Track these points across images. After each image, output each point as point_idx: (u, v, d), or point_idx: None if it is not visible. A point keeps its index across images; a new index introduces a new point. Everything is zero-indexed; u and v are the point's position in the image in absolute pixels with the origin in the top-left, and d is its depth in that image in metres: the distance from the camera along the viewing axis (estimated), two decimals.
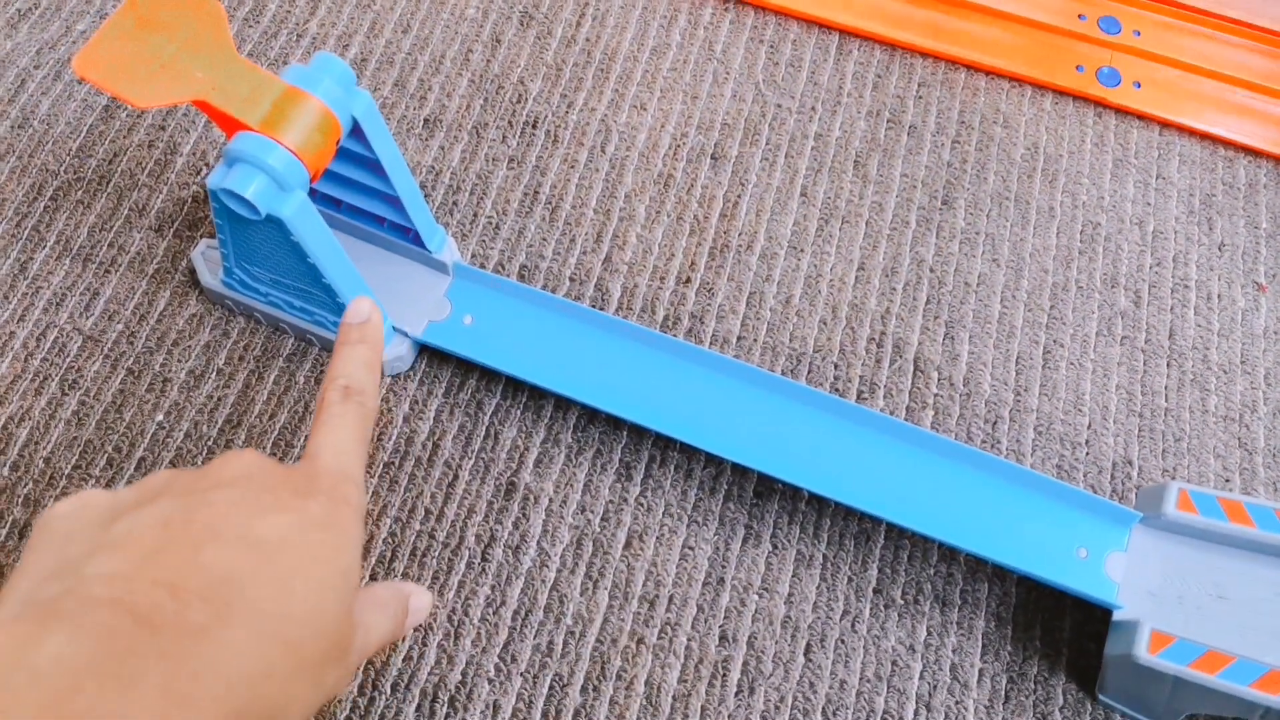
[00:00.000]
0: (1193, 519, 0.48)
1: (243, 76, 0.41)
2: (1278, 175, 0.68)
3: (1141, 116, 0.68)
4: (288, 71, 0.43)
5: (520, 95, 0.67)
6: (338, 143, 0.44)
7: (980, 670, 0.52)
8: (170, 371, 0.56)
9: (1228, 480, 0.58)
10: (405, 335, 0.54)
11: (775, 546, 0.54)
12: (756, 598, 0.53)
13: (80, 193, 0.61)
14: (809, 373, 0.59)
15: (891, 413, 0.58)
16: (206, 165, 0.62)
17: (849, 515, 0.54)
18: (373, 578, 0.52)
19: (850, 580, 0.53)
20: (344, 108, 0.44)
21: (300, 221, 0.43)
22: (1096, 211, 0.65)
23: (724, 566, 0.53)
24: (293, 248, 0.45)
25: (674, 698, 0.50)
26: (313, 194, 0.49)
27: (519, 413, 0.56)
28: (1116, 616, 0.47)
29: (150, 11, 0.41)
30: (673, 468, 0.55)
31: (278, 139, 0.41)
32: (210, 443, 0.55)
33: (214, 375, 0.56)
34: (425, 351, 0.57)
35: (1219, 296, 0.63)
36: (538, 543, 0.53)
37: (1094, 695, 0.51)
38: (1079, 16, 0.71)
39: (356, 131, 0.46)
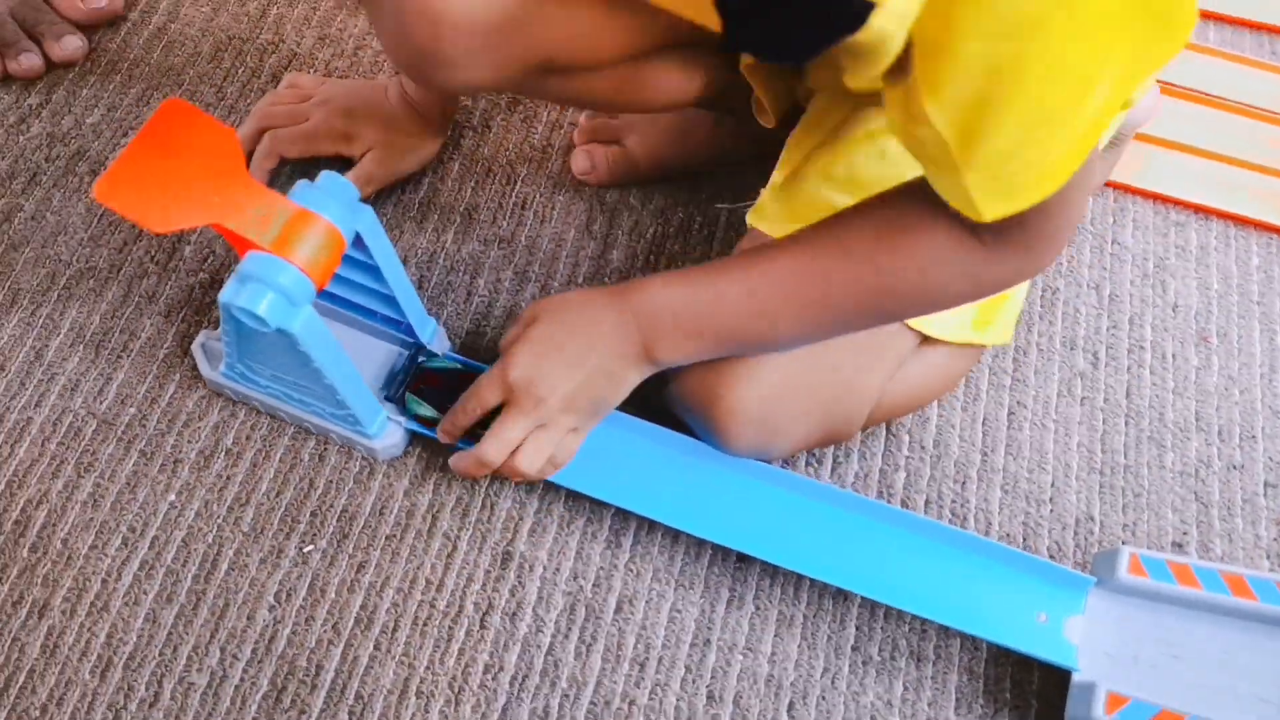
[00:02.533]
0: (1144, 583, 0.51)
1: (255, 199, 0.44)
2: (1228, 237, 0.72)
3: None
4: (296, 191, 0.47)
5: (510, 178, 0.70)
6: (342, 255, 0.47)
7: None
8: (181, 452, 0.59)
9: (1185, 534, 0.61)
10: (400, 424, 0.58)
11: (758, 608, 0.57)
12: (741, 657, 0.56)
13: (92, 281, 0.64)
14: None
15: (866, 476, 0.61)
16: (213, 253, 0.65)
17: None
18: (375, 648, 0.55)
19: (830, 639, 0.57)
20: (348, 224, 0.47)
21: (307, 334, 0.47)
22: (1054, 277, 0.69)
23: (710, 628, 0.56)
24: (298, 354, 0.48)
25: None
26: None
27: (512, 487, 0.59)
28: (1075, 679, 0.51)
29: (166, 137, 0.44)
30: (660, 534, 0.59)
31: (288, 258, 0.44)
32: (220, 520, 0.57)
33: (223, 455, 0.59)
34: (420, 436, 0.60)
35: (1173, 356, 0.67)
36: (533, 609, 0.56)
37: None
38: None
39: (358, 241, 0.49)
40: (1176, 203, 0.72)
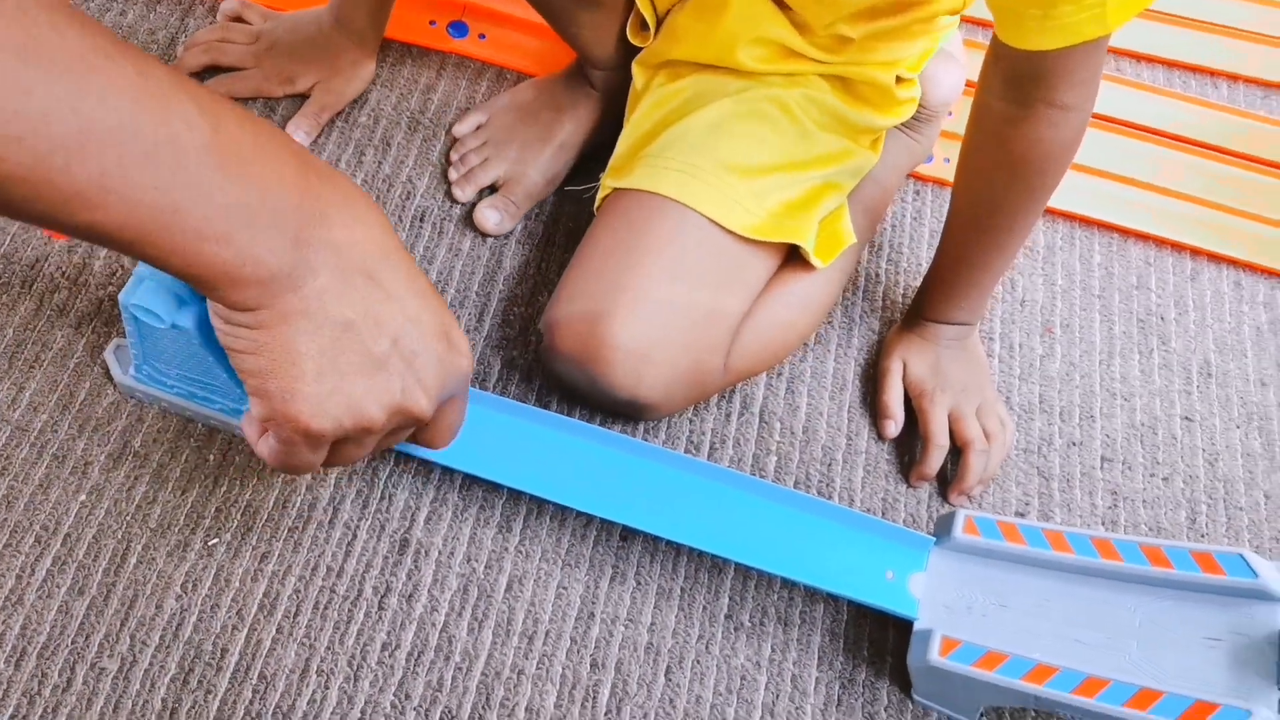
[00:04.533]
0: (977, 541, 0.57)
1: None
2: (1072, 237, 0.79)
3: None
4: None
5: (408, 193, 0.75)
6: None
7: (817, 679, 0.60)
8: (91, 455, 0.62)
9: (1028, 504, 0.67)
10: None
11: (639, 583, 0.62)
12: (623, 628, 0.60)
13: (5, 296, 0.67)
14: (668, 428, 0.67)
15: (740, 460, 0.67)
16: (122, 268, 0.69)
17: (704, 552, 0.63)
18: (278, 631, 0.58)
19: (705, 609, 0.61)
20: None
21: (203, 330, 0.51)
22: (915, 276, 0.75)
23: (594, 603, 0.61)
24: (196, 350, 0.52)
25: None
26: None
27: (409, 478, 0.63)
28: (916, 627, 0.56)
29: None
30: (548, 518, 0.63)
31: None
32: (129, 518, 0.61)
33: (131, 457, 0.63)
34: None
35: (1020, 345, 0.73)
36: (429, 591, 0.60)
37: (913, 697, 0.59)
38: None
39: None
40: None
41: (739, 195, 0.62)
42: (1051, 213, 0.79)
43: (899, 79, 0.67)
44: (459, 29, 0.82)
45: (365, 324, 0.39)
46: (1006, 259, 0.64)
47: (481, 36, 0.82)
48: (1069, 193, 0.79)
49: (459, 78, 0.80)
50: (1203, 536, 0.67)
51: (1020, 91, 0.55)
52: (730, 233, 0.62)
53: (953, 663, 0.54)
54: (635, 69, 0.70)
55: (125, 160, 0.33)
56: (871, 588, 0.57)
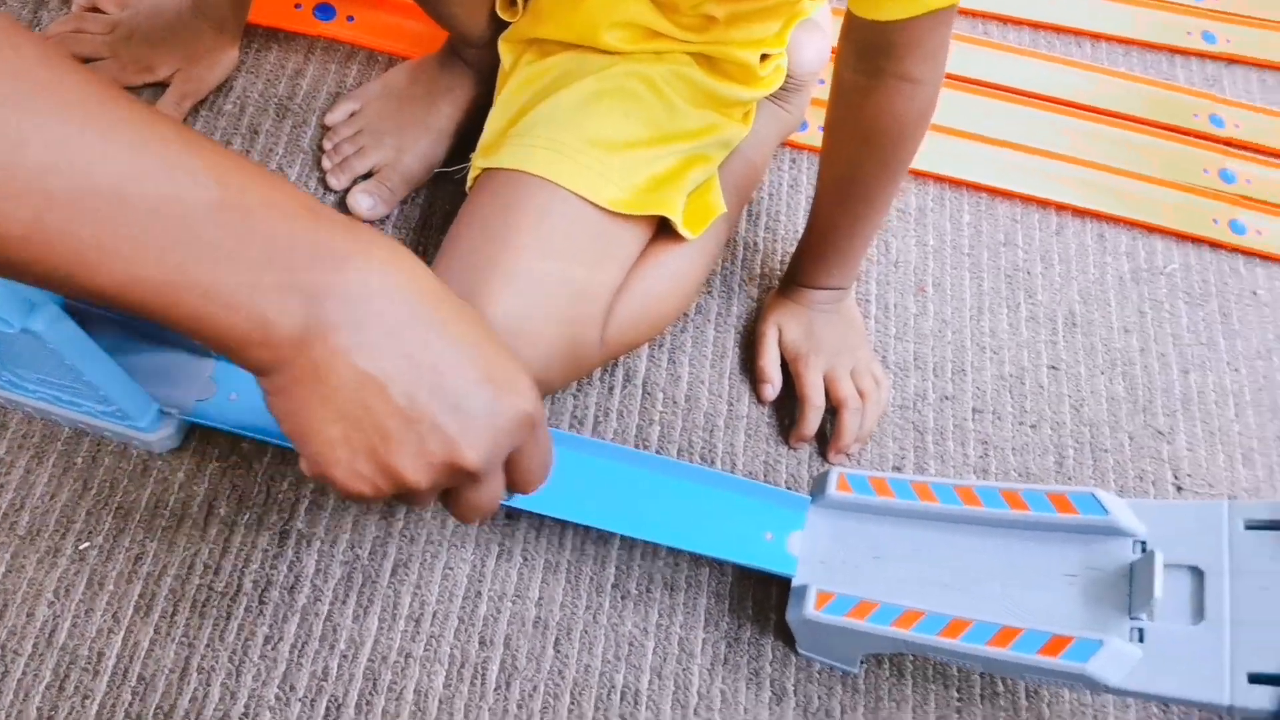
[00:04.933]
0: (850, 497, 0.58)
1: None
2: (943, 199, 0.81)
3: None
4: None
5: None
6: None
7: (703, 640, 0.61)
8: None
9: (904, 458, 0.69)
10: (173, 415, 0.60)
11: (525, 559, 0.62)
12: (510, 604, 0.61)
13: None
14: (552, 403, 0.68)
15: (624, 432, 0.67)
16: None
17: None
18: (155, 632, 0.58)
19: (592, 579, 0.62)
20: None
21: (54, 333, 0.49)
22: (790, 242, 0.76)
23: (481, 581, 0.61)
24: (50, 354, 0.51)
25: (440, 701, 0.58)
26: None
27: (289, 469, 0.63)
28: (794, 584, 0.58)
29: None
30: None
31: None
32: None
33: None
34: (197, 426, 0.63)
35: (894, 305, 0.75)
36: (311, 580, 0.60)
37: (797, 650, 0.61)
38: None
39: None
40: None
41: (607, 170, 0.62)
42: (922, 175, 0.81)
43: (764, 56, 0.68)
44: (326, 11, 0.80)
45: (389, 380, 0.36)
46: (872, 225, 0.66)
47: (350, 19, 0.81)
48: (939, 155, 0.81)
49: (328, 62, 0.79)
50: (1070, 479, 0.70)
51: (870, 63, 0.57)
52: (599, 208, 0.62)
53: (827, 615, 0.55)
54: (502, 46, 0.70)
55: (127, 220, 0.31)
56: (752, 550, 0.59)
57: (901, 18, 0.52)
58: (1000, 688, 0.62)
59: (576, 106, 0.64)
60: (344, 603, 0.60)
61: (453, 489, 0.40)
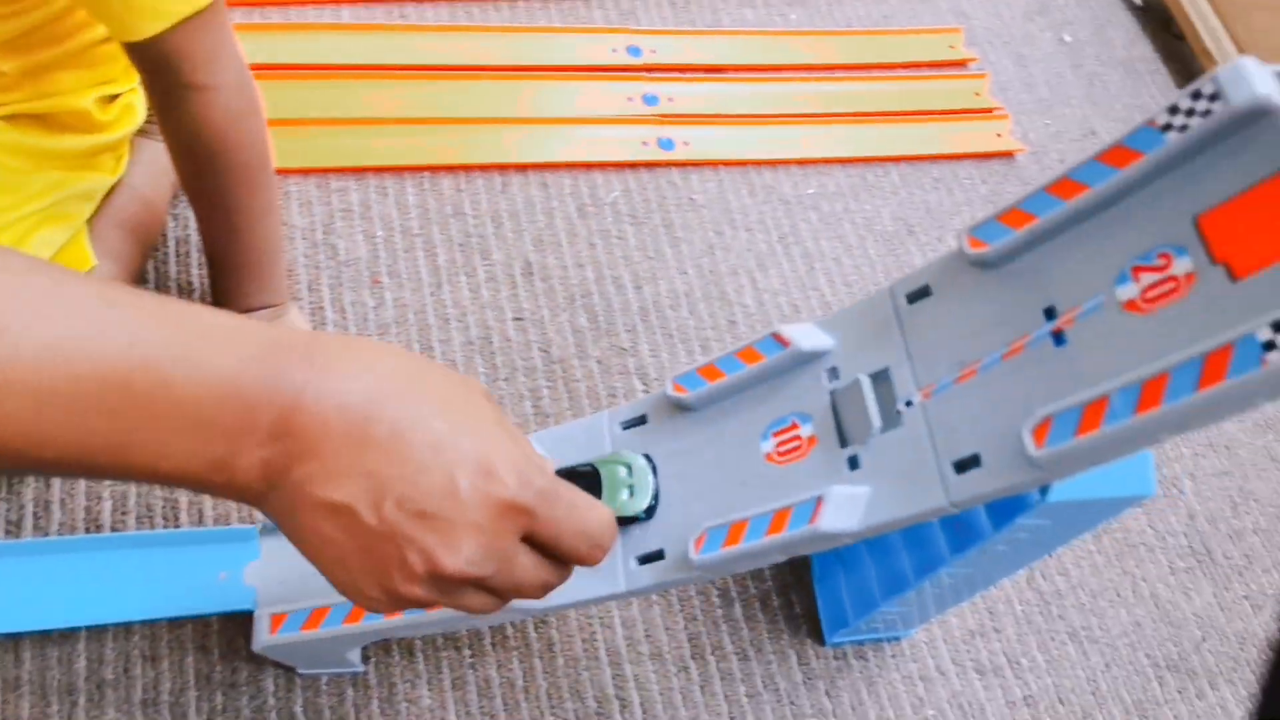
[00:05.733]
0: None
1: None
2: (384, 189, 0.82)
3: None
4: None
5: None
6: None
7: (196, 699, 0.59)
8: None
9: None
10: None
11: None
12: None
13: None
14: None
15: (68, 521, 0.63)
16: None
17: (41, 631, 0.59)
18: None
19: (59, 683, 0.58)
20: None
21: None
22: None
23: None
24: None
25: None
26: None
27: None
28: (256, 615, 0.57)
29: None
30: None
31: None
32: None
33: None
34: None
35: (353, 304, 0.76)
36: None
37: (299, 673, 0.60)
38: None
39: None
40: (336, 171, 0.82)
41: None
42: (352, 171, 0.81)
43: (114, 97, 0.65)
44: None
45: (355, 501, 0.35)
46: (268, 233, 0.65)
47: None
48: (364, 152, 0.82)
49: None
50: (548, 418, 0.74)
51: (162, 81, 0.56)
52: None
53: (285, 635, 0.55)
54: None
55: (74, 402, 0.31)
56: (206, 596, 0.57)
57: (153, 34, 0.52)
58: (510, 630, 0.64)
59: None
60: None
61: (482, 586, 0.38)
